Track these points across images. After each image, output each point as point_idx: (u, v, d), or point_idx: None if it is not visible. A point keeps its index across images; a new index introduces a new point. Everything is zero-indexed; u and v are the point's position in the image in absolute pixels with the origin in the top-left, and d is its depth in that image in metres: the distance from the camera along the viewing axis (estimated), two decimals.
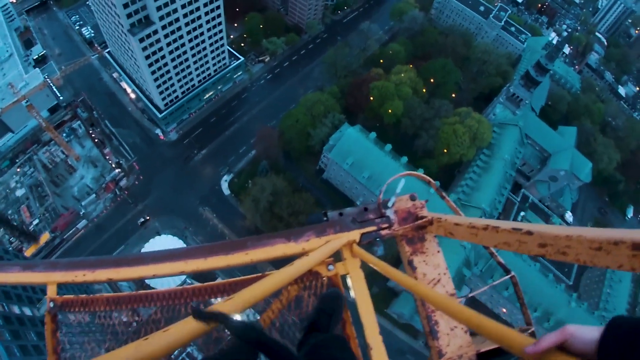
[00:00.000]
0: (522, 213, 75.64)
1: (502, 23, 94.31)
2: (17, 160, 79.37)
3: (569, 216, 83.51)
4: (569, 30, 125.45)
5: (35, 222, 71.72)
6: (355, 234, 3.32)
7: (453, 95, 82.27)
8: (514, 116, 78.78)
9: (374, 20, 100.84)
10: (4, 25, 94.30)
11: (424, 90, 77.29)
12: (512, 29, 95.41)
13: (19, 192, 75.74)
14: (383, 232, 3.47)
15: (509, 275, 3.28)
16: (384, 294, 64.69)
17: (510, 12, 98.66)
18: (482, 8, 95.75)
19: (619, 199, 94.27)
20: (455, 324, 3.08)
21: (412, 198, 3.68)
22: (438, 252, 3.40)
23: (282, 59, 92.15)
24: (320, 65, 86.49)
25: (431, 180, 3.91)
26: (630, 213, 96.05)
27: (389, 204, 3.64)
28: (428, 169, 67.84)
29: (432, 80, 79.79)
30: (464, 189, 68.51)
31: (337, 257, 3.22)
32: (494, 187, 68.49)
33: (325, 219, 3.43)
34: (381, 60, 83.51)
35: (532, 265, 66.45)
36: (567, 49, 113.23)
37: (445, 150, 70.10)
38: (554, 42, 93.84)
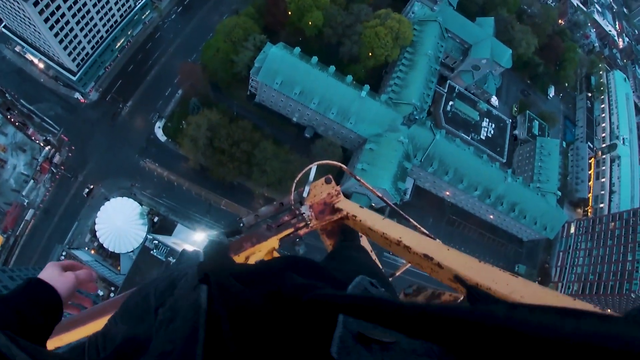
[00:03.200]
0: (451, 102, 78.65)
1: None
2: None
3: (494, 100, 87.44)
4: None
5: None
6: (273, 242, 3.23)
7: None
8: (432, 12, 79.15)
9: None
10: None
11: None
12: None
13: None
14: (301, 232, 3.36)
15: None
16: None
17: None
18: None
19: (540, 80, 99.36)
20: None
21: (327, 181, 3.49)
22: (360, 237, 3.39)
23: None
24: None
25: (342, 165, 3.86)
26: (551, 92, 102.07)
27: (304, 194, 3.46)
28: (356, 74, 67.42)
29: None
30: (393, 88, 69.42)
31: None
32: (421, 82, 69.56)
33: (241, 224, 3.30)
34: None
35: (466, 149, 69.92)
36: None
37: (370, 54, 69.58)
38: None
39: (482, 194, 72.23)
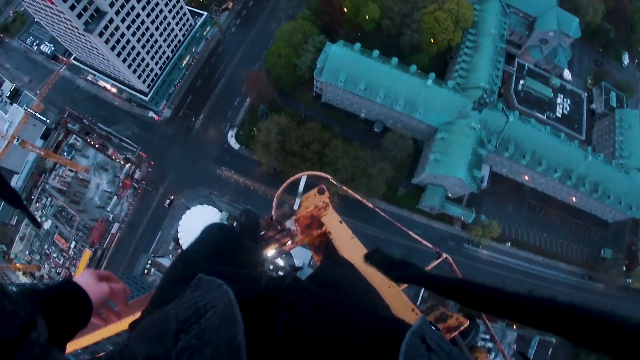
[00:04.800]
0: (521, 81, 74.64)
1: None
2: (32, 197, 79.65)
3: (567, 74, 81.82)
4: None
5: (72, 245, 73.34)
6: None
7: None
8: None
9: None
10: None
11: None
12: None
13: (47, 225, 76.66)
14: (286, 247, 3.30)
15: (442, 258, 3.13)
16: (411, 192, 66.19)
17: None
18: None
19: (612, 47, 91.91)
20: None
21: (320, 192, 3.43)
22: None
23: (245, 0, 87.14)
24: None
25: (329, 177, 3.74)
26: (626, 59, 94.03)
27: (295, 206, 3.42)
28: (419, 63, 65.75)
29: None
30: (459, 73, 67.00)
31: None
32: (488, 64, 66.66)
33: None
34: None
35: (542, 129, 66.11)
36: None
37: (431, 41, 67.77)
38: None
39: (563, 175, 67.65)
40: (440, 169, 60.23)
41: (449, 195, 65.79)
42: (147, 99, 73.04)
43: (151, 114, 76.95)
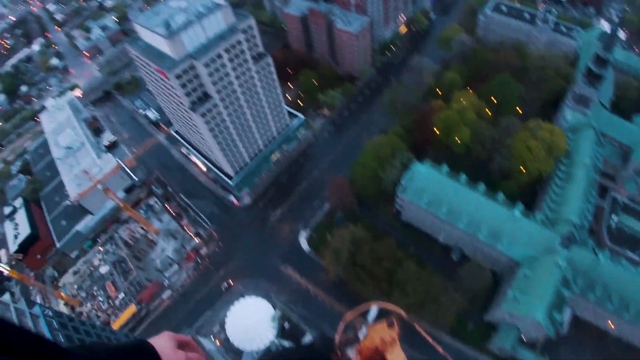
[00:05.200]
0: (615, 217, 72.52)
1: (551, 25, 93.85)
2: (98, 240, 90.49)
3: None
4: (619, 14, 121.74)
5: (121, 297, 79.59)
6: None
7: (518, 109, 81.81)
8: (585, 117, 76.63)
9: (424, 53, 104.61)
10: (73, 119, 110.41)
11: (488, 111, 77.55)
12: (562, 28, 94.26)
13: (103, 269, 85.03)
14: None
15: None
16: (481, 329, 64.33)
17: (555, 12, 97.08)
18: (527, 15, 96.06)
19: None
20: None
21: (390, 324, 4.27)
22: None
23: (342, 109, 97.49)
24: (380, 109, 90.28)
25: (401, 310, 4.57)
26: None
27: (360, 334, 3.98)
28: (507, 191, 66.78)
29: (493, 99, 79.98)
30: (548, 204, 66.64)
31: None
32: (579, 196, 66.07)
33: None
34: (439, 91, 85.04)
35: (635, 272, 62.50)
36: (622, 34, 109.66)
37: (522, 168, 69.30)
38: (607, 30, 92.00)
39: None
40: (518, 308, 58.31)
41: (523, 338, 63.07)
42: (231, 183, 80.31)
43: (232, 198, 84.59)
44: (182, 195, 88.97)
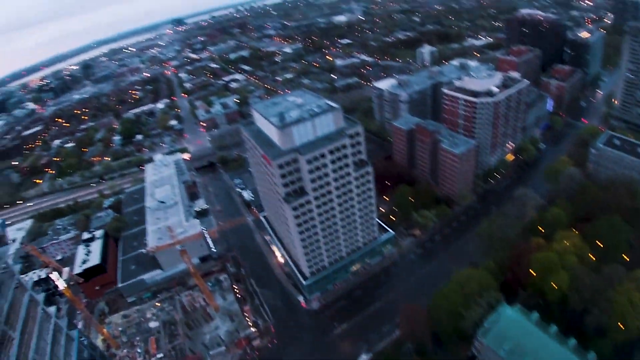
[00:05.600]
0: None
1: None
2: (158, 295, 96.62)
3: None
4: None
5: (159, 356, 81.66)
6: None
7: (625, 257, 76.67)
8: None
9: (529, 185, 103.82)
10: (174, 177, 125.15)
11: (591, 256, 73.68)
12: None
13: (152, 324, 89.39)
14: None
15: None
16: None
17: None
18: None
19: None
20: None
21: None
22: None
23: (433, 233, 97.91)
24: (474, 239, 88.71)
25: None
26: None
27: None
28: (601, 351, 61.00)
29: (599, 243, 76.03)
30: None
31: None
32: None
33: None
34: (540, 228, 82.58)
35: None
36: None
37: (620, 325, 64.02)
38: None
39: None
40: None
41: None
42: (304, 283, 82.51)
43: (301, 298, 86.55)
44: (252, 281, 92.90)
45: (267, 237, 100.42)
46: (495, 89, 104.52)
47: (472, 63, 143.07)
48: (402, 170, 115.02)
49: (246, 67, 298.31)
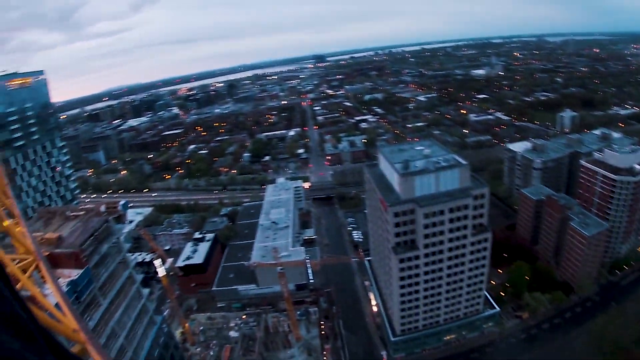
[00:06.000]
0: None
1: None
2: (247, 309, 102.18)
3: None
4: None
5: None
6: None
7: None
8: None
9: None
10: (291, 203, 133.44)
11: None
12: None
13: (232, 334, 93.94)
14: None
15: None
16: None
17: None
18: None
19: None
20: None
21: None
22: None
23: (542, 319, 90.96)
24: (585, 335, 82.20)
25: None
26: None
27: None
28: None
29: None
30: None
31: None
32: None
33: None
34: None
35: None
36: None
37: None
38: None
39: None
40: None
41: None
42: (392, 339, 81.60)
43: (384, 353, 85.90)
44: (340, 321, 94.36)
45: (367, 282, 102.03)
46: (638, 167, 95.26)
47: (616, 134, 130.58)
48: (523, 244, 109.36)
49: (378, 110, 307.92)
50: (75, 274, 43.31)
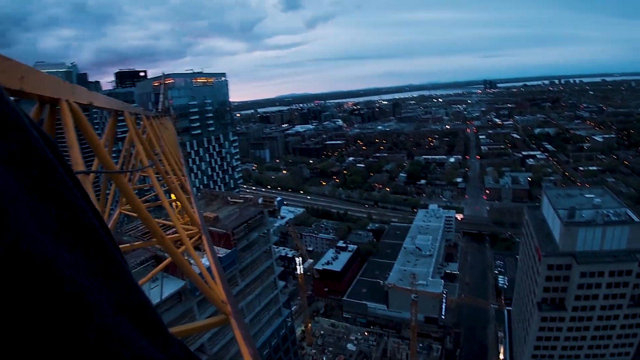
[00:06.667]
0: None
1: None
2: (371, 327, 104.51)
3: None
4: None
5: None
6: None
7: None
8: None
9: None
10: (440, 232, 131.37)
11: None
12: None
13: (350, 346, 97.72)
14: None
15: None
16: None
17: None
18: None
19: None
20: None
21: None
22: None
23: None
24: None
25: None
26: None
27: None
28: None
29: None
30: None
31: None
32: None
33: None
34: None
35: None
36: None
37: None
38: None
39: None
40: None
41: None
42: None
43: None
44: None
45: (500, 334, 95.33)
46: None
47: None
48: None
49: (548, 146, 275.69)
50: (222, 252, 48.06)
